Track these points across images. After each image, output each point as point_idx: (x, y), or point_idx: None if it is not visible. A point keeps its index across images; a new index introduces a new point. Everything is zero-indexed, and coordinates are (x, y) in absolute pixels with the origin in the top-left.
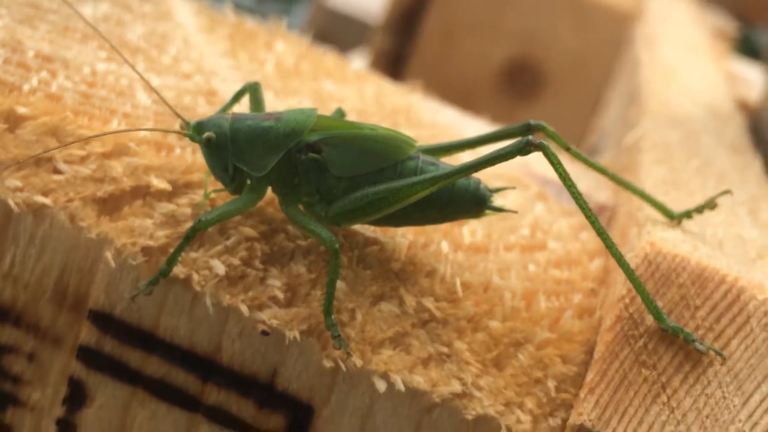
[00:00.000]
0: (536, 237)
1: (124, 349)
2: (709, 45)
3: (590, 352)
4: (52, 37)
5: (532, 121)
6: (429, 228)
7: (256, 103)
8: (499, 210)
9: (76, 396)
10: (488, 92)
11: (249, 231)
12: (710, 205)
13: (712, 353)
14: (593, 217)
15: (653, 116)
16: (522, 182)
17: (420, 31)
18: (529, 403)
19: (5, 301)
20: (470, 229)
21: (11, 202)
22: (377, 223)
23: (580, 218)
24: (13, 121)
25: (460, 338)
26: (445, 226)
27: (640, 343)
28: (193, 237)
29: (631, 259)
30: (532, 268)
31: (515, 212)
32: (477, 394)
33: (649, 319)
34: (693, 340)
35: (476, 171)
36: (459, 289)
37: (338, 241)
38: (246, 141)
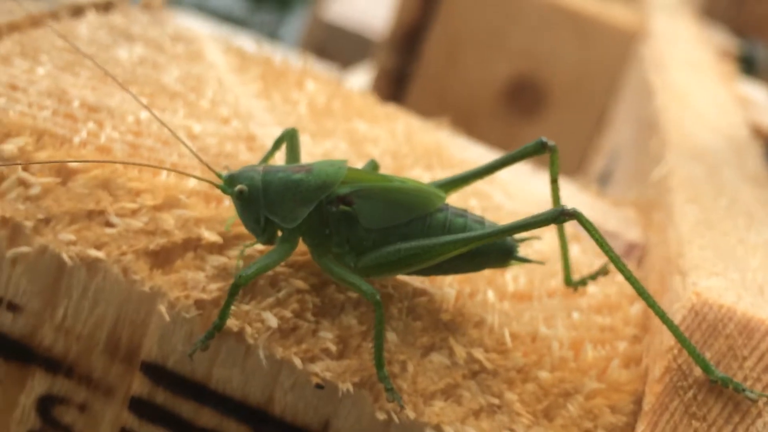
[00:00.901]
0: (576, 280)
1: (177, 400)
2: (716, 66)
3: (638, 402)
4: (93, 83)
5: (544, 139)
6: (472, 276)
7: (292, 149)
8: (525, 261)
9: None
10: (491, 110)
11: (300, 283)
12: (603, 271)
13: (761, 403)
14: (640, 287)
15: (676, 149)
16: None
17: (423, 49)
18: None
19: (58, 352)
20: (513, 275)
21: (65, 256)
22: (405, 272)
23: None
24: (65, 174)
25: (511, 389)
26: (488, 274)
27: (690, 394)
28: (236, 293)
29: (678, 309)
30: (575, 315)
31: (542, 263)
32: None
33: (698, 370)
34: (743, 390)
35: (509, 235)
36: (508, 339)
37: (378, 293)
38: (277, 194)
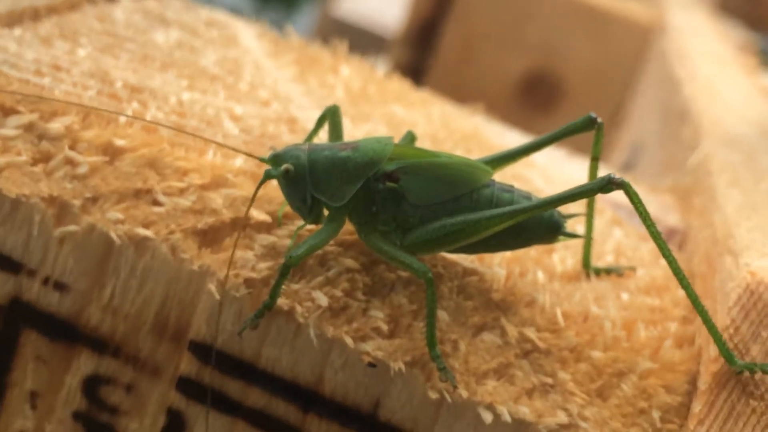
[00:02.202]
0: (622, 264)
1: (225, 380)
2: (738, 59)
3: (692, 382)
4: (134, 66)
5: (593, 114)
6: (520, 255)
7: (335, 127)
8: (573, 236)
9: (175, 427)
10: (506, 105)
11: (350, 262)
12: (619, 271)
13: None
14: (671, 256)
15: (710, 136)
16: (596, 207)
17: (438, 44)
18: None
19: (104, 332)
20: (560, 257)
21: (113, 234)
22: (452, 251)
23: None
24: (112, 153)
25: (564, 369)
26: (535, 255)
27: (747, 373)
28: (287, 273)
29: (733, 289)
30: (625, 296)
31: (580, 237)
32: (583, 424)
33: (755, 349)
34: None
35: (555, 206)
36: (560, 318)
37: (430, 271)
38: (324, 172)
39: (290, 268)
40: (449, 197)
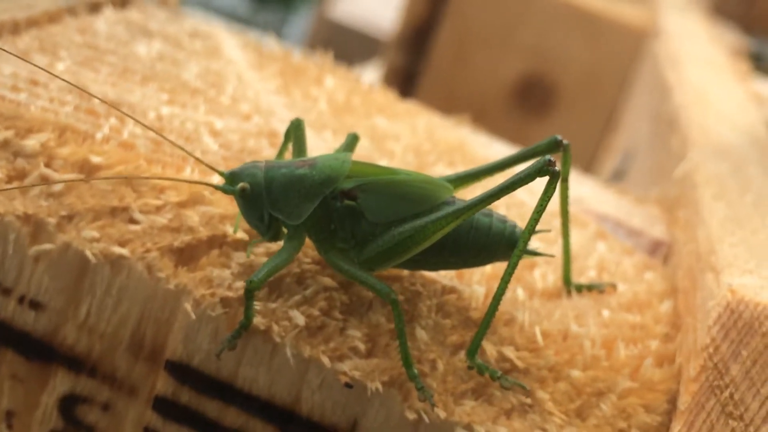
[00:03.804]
0: (604, 280)
1: (202, 400)
2: (730, 64)
3: (672, 401)
4: (113, 80)
5: (559, 137)
6: (500, 273)
7: (298, 140)
8: (536, 254)
9: None
10: (500, 108)
11: (327, 281)
12: (600, 287)
13: None
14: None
15: (698, 146)
16: (579, 220)
17: (432, 48)
18: None
19: (81, 351)
20: (541, 273)
21: (88, 253)
22: (414, 267)
23: (641, 257)
24: (88, 170)
25: (542, 388)
26: (516, 272)
27: (726, 393)
28: (252, 297)
29: (713, 307)
30: (606, 313)
31: (552, 256)
32: None
33: (735, 369)
34: (498, 377)
35: (498, 198)
36: (539, 337)
37: (393, 291)
38: (281, 190)
39: (253, 292)
40: (408, 214)
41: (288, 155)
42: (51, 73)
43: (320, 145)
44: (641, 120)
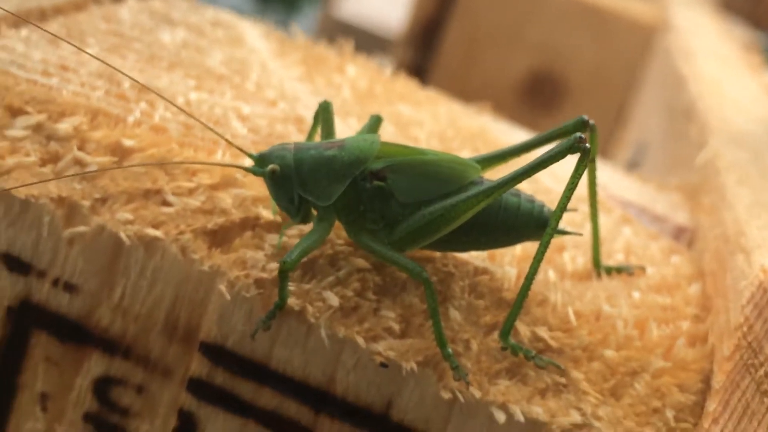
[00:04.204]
0: (632, 263)
1: (236, 381)
2: (742, 58)
3: (706, 380)
4: (141, 66)
5: (585, 117)
6: (531, 254)
7: (326, 122)
8: (564, 233)
9: (186, 428)
10: (509, 104)
11: (360, 262)
12: (629, 270)
13: None
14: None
15: (718, 134)
16: (604, 205)
17: (441, 44)
18: None
19: (115, 333)
20: (570, 256)
21: (123, 235)
22: (443, 247)
23: (666, 242)
24: (121, 153)
25: (577, 368)
26: (546, 254)
27: (762, 371)
28: (287, 278)
29: (746, 287)
30: (636, 295)
31: (580, 234)
32: (596, 424)
33: None
34: (532, 357)
35: (528, 176)
36: (572, 317)
37: (424, 270)
38: (310, 171)
39: (287, 273)
40: (437, 194)
41: (317, 138)
42: (96, 57)
43: (346, 131)
44: (653, 113)
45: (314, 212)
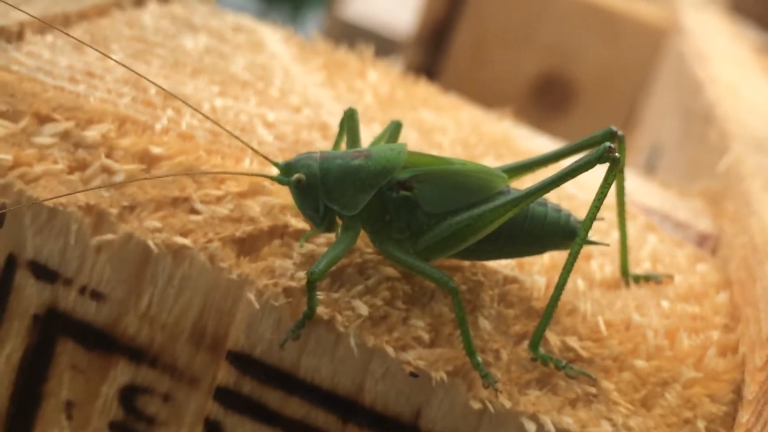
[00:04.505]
0: (659, 271)
1: (264, 390)
2: (756, 60)
3: (737, 391)
4: (165, 72)
5: (614, 128)
6: (559, 263)
7: (351, 130)
8: (590, 243)
9: None
10: (518, 107)
11: (389, 271)
12: (657, 278)
13: None
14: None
15: (738, 139)
16: (629, 212)
17: (450, 46)
18: None
19: (142, 341)
20: (598, 264)
21: (151, 243)
22: (468, 257)
23: (691, 249)
24: (149, 161)
25: (607, 378)
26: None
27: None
28: (314, 288)
29: None
30: (665, 304)
31: (607, 245)
32: None
33: None
34: (563, 366)
35: (557, 186)
36: (603, 327)
37: (451, 279)
38: (337, 181)
39: (314, 283)
40: (464, 204)
41: (344, 146)
42: (124, 65)
43: (370, 138)
44: (667, 116)
45: (339, 221)
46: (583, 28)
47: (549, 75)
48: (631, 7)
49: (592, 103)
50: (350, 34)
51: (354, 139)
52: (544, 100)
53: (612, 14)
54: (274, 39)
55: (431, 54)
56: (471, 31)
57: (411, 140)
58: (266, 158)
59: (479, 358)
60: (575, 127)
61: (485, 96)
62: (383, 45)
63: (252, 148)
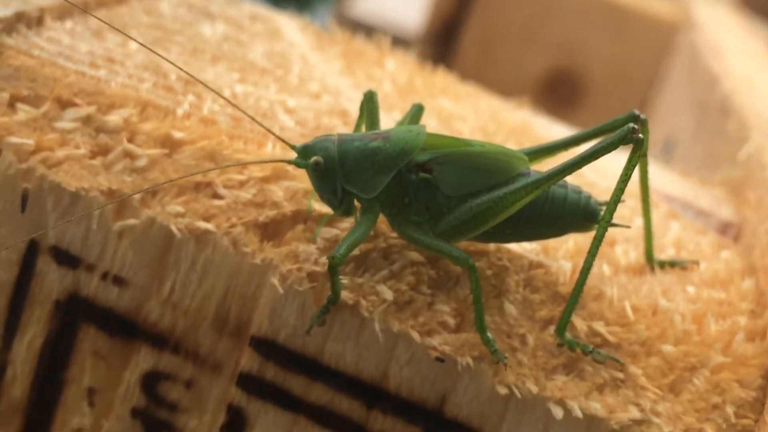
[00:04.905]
0: (683, 257)
1: (287, 376)
2: None
3: (766, 376)
4: (185, 59)
5: (636, 111)
6: (584, 248)
7: (371, 112)
8: (615, 225)
9: (235, 424)
10: (528, 102)
11: (414, 255)
12: (683, 264)
13: None
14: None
15: (758, 129)
16: (651, 200)
17: (460, 43)
18: (709, 430)
19: (164, 327)
20: (623, 250)
21: (173, 228)
22: (488, 239)
23: (714, 236)
24: (171, 145)
25: (635, 363)
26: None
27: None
28: (337, 272)
29: None
30: (691, 289)
31: (628, 227)
32: (656, 420)
33: None
34: (590, 351)
35: (579, 168)
36: (629, 312)
37: (470, 257)
38: (355, 163)
39: (336, 268)
40: (484, 186)
41: (363, 128)
42: (147, 47)
43: (390, 125)
44: (680, 110)
45: (357, 204)
46: (593, 23)
47: (559, 71)
48: (640, 2)
49: (602, 99)
50: (357, 32)
51: (373, 121)
52: (554, 96)
53: (621, 10)
54: (291, 28)
55: (440, 51)
56: (480, 27)
57: (431, 128)
58: (285, 141)
59: (489, 335)
60: (585, 123)
61: (495, 92)
62: (391, 42)
63: (270, 131)
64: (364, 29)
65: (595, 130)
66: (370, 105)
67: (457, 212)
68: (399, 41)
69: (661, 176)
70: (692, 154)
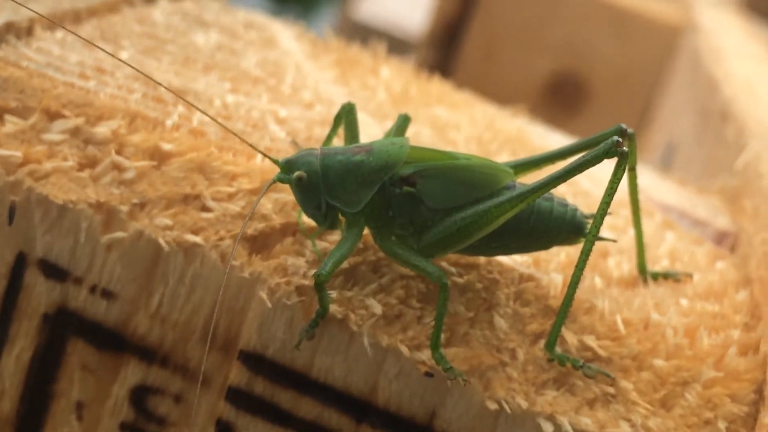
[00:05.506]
0: (678, 269)
1: (276, 390)
2: None
3: (759, 391)
4: (176, 68)
5: (623, 125)
6: (574, 260)
7: (350, 125)
8: (600, 239)
9: None
10: (531, 106)
11: (404, 269)
12: (676, 276)
13: None
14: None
15: (757, 137)
16: (645, 209)
17: (462, 45)
18: None
19: (153, 341)
20: (615, 262)
21: (162, 241)
22: (472, 252)
23: (710, 247)
24: (159, 157)
25: (626, 378)
26: (591, 260)
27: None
28: (323, 289)
29: None
30: (684, 302)
31: (615, 240)
32: None
33: None
34: (580, 366)
35: (563, 181)
36: (621, 326)
37: (445, 275)
38: (338, 178)
39: (323, 284)
40: (468, 200)
41: (337, 141)
42: (129, 65)
43: (381, 135)
44: (682, 114)
45: (342, 219)
46: (596, 26)
47: (562, 74)
48: (643, 5)
49: (606, 102)
50: (362, 34)
51: (353, 135)
52: (557, 99)
53: (625, 13)
54: (286, 35)
55: (443, 53)
56: (483, 30)
57: (425, 137)
58: (267, 156)
59: (442, 352)
60: (589, 126)
61: (498, 95)
62: (395, 45)
63: (253, 146)
64: (369, 32)
65: (582, 143)
66: (349, 117)
67: (442, 226)
68: (404, 44)
69: (657, 185)
70: (694, 159)
